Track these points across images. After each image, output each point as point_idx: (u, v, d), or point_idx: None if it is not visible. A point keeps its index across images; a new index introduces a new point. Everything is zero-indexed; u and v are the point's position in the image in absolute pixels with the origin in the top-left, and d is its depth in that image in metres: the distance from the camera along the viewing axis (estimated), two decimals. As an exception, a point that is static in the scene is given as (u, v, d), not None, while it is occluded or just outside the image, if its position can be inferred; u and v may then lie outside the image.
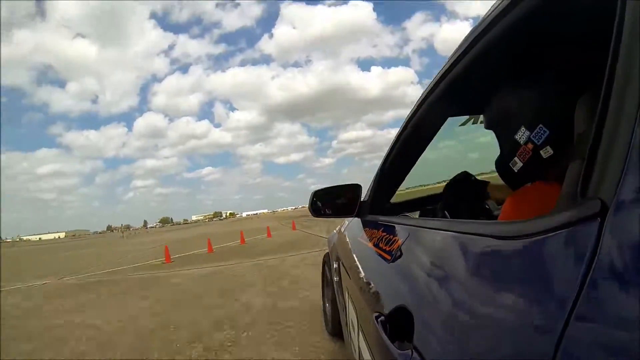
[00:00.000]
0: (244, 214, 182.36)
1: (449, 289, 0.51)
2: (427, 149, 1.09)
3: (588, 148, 0.29)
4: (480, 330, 0.39)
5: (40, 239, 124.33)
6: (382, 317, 0.66)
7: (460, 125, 1.24)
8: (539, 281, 0.32)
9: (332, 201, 1.31)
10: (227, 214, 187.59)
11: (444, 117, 0.98)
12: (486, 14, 0.53)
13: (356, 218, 1.32)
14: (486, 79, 0.75)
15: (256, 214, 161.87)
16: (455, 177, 1.18)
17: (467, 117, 1.21)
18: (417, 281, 0.63)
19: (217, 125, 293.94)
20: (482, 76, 0.69)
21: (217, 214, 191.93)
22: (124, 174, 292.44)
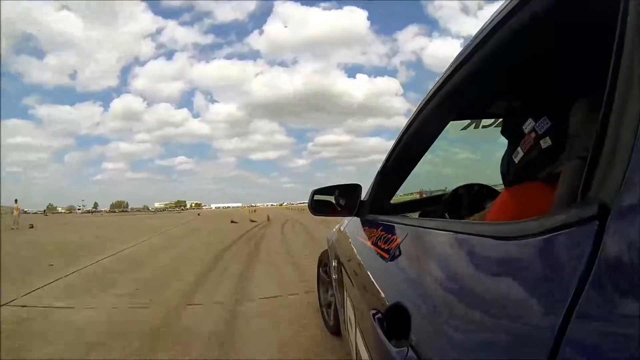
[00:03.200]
0: (213, 206, 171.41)
1: (446, 288, 0.51)
2: (428, 152, 1.09)
3: (590, 149, 0.28)
4: (477, 330, 0.39)
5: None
6: (379, 315, 0.66)
7: (461, 130, 1.25)
8: (538, 282, 0.32)
9: (331, 200, 1.31)
10: (193, 204, 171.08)
11: (445, 121, 0.98)
12: (488, 19, 0.53)
13: (355, 217, 1.31)
14: (488, 85, 0.76)
15: (229, 207, 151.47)
16: (457, 189, 1.20)
17: (468, 121, 1.22)
18: (415, 280, 0.63)
19: (196, 116, 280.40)
20: (484, 81, 0.69)
21: (180, 203, 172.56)
22: (96, 154, 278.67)
